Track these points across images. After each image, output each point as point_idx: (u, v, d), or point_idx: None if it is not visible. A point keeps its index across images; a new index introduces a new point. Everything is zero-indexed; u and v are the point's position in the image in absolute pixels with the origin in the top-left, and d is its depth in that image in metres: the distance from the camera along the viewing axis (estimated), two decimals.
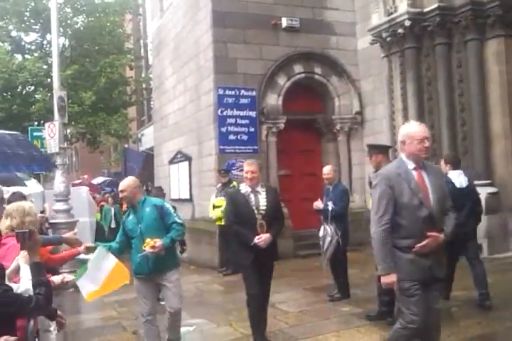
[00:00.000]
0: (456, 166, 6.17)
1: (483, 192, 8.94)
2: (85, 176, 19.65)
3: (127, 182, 4.81)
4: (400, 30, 9.64)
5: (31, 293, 2.71)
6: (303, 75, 11.43)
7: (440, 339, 4.36)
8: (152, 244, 4.44)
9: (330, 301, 6.53)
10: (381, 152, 5.75)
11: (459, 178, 5.97)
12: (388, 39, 9.99)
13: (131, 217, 4.78)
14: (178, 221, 4.74)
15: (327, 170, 6.81)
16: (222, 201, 8.96)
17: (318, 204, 6.66)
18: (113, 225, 12.92)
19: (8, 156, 4.42)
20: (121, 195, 4.85)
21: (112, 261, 4.35)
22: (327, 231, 6.48)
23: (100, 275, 4.25)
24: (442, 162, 6.43)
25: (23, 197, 5.00)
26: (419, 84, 9.84)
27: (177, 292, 4.78)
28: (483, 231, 8.87)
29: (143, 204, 4.73)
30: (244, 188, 4.95)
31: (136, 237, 4.66)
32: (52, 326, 6.32)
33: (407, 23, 9.49)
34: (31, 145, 4.60)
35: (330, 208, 6.50)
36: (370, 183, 5.76)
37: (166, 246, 4.55)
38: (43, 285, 2.63)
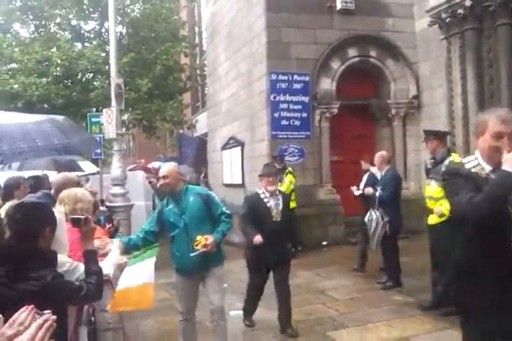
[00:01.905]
0: None
1: None
2: (142, 160, 20.01)
3: (170, 167, 4.39)
4: (460, 11, 9.24)
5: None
6: (357, 59, 11.19)
7: None
8: (204, 242, 4.05)
9: (381, 289, 6.44)
10: (437, 138, 5.57)
11: None
12: (447, 20, 9.60)
13: (170, 206, 4.31)
14: (227, 211, 4.35)
15: (375, 156, 6.77)
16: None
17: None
18: None
19: (21, 152, 4.50)
20: (162, 182, 4.32)
21: (149, 277, 3.93)
22: (372, 217, 6.40)
23: (129, 280, 3.71)
24: None
25: (76, 183, 5.06)
26: (479, 67, 9.44)
27: (220, 288, 4.46)
28: None
29: (185, 193, 4.29)
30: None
31: (179, 230, 4.25)
32: (108, 305, 6.57)
33: (468, 3, 9.08)
34: (55, 133, 4.64)
35: (377, 194, 6.40)
36: (427, 170, 5.61)
37: (218, 243, 4.21)
38: (95, 274, 2.62)
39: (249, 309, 5.62)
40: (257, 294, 5.50)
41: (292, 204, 8.79)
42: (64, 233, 2.85)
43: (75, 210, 3.80)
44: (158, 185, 4.74)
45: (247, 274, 5.56)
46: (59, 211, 3.13)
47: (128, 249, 4.10)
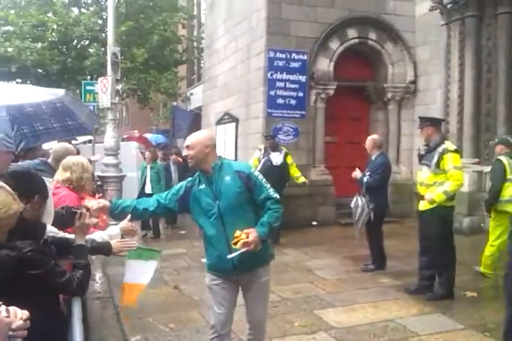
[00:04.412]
0: None
1: None
2: (135, 131, 19.94)
3: (197, 136, 3.43)
4: None
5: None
6: (356, 40, 11.13)
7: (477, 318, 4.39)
8: (245, 240, 3.08)
9: (363, 271, 6.58)
10: (433, 125, 5.61)
11: None
12: (449, 6, 9.58)
13: (202, 186, 3.36)
14: (274, 196, 3.33)
15: (367, 140, 6.78)
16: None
17: (357, 173, 6.64)
18: (148, 190, 9.95)
19: (39, 134, 4.42)
20: (186, 153, 3.40)
21: (146, 278, 3.47)
22: (358, 203, 6.46)
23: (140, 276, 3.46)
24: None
25: (75, 151, 5.01)
26: (478, 54, 9.46)
27: (264, 298, 3.52)
28: None
29: (220, 171, 3.33)
30: None
31: (212, 220, 3.30)
32: (97, 275, 6.67)
33: None
34: (67, 112, 4.58)
35: (365, 180, 6.45)
36: (420, 156, 5.67)
37: (264, 239, 3.22)
38: (81, 269, 2.60)
39: None
40: None
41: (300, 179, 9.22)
42: (51, 202, 2.87)
43: (81, 178, 3.84)
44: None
45: None
46: (48, 180, 3.11)
47: (139, 215, 3.54)
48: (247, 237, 3.07)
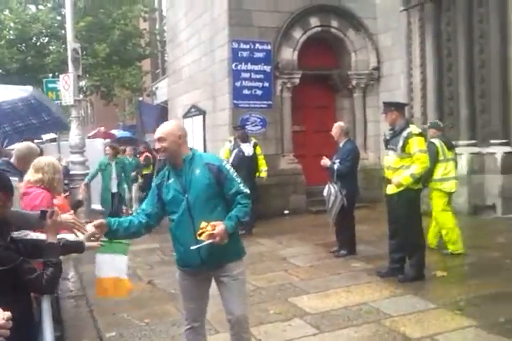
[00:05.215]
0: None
1: (499, 151, 8.92)
2: (102, 128, 19.69)
3: (169, 126, 3.26)
4: None
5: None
6: (319, 29, 11.17)
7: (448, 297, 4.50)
8: (210, 231, 2.98)
9: (335, 257, 6.65)
10: (397, 109, 5.67)
11: None
12: None
13: (171, 181, 3.24)
14: (245, 190, 3.23)
15: (333, 127, 6.83)
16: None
17: (326, 161, 6.67)
18: (114, 189, 9.53)
19: (21, 131, 4.36)
20: (158, 146, 3.22)
21: (121, 272, 3.42)
22: (331, 191, 6.51)
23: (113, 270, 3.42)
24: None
25: (38, 150, 4.95)
26: (438, 39, 9.60)
27: (240, 292, 3.34)
28: (498, 190, 8.88)
29: (190, 163, 3.21)
30: None
31: (180, 214, 3.19)
32: (70, 274, 6.60)
33: None
34: (43, 108, 4.52)
35: (335, 167, 6.50)
36: (386, 141, 5.74)
37: (231, 232, 3.09)
38: (52, 267, 2.57)
39: None
40: None
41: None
42: (18, 201, 2.85)
43: (53, 179, 3.83)
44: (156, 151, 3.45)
45: None
46: (13, 179, 3.06)
47: (124, 237, 3.31)
48: (213, 229, 2.97)
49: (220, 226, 2.99)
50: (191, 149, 3.31)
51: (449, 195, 6.52)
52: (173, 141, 3.17)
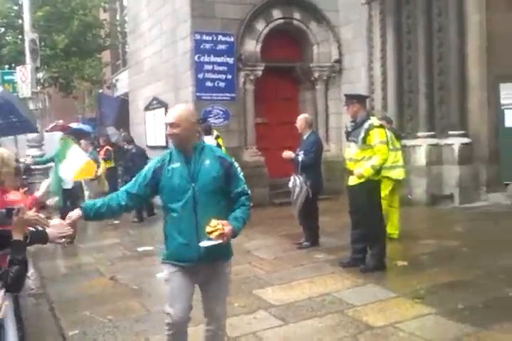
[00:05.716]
0: None
1: (456, 143, 9.14)
2: (61, 121, 19.24)
3: (184, 112, 3.06)
4: None
5: None
6: (282, 21, 11.17)
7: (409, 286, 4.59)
8: (222, 231, 2.86)
9: (298, 249, 6.70)
10: (358, 102, 5.73)
11: None
12: None
13: (177, 165, 3.06)
14: (249, 192, 3.17)
15: (297, 119, 6.86)
16: None
17: (288, 153, 6.71)
18: (68, 185, 8.30)
19: None
20: (169, 132, 3.05)
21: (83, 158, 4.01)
22: (296, 182, 6.55)
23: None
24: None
25: None
26: (398, 32, 9.73)
27: (225, 291, 3.25)
28: (455, 181, 9.11)
29: (201, 153, 3.08)
30: None
31: (184, 202, 3.00)
32: (30, 271, 6.45)
33: None
34: (11, 109, 4.37)
35: (300, 159, 6.54)
36: (348, 133, 5.79)
37: (236, 234, 3.02)
38: (17, 265, 2.51)
39: None
40: None
41: None
42: None
43: (0, 173, 3.66)
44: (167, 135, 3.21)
45: None
46: None
47: (115, 212, 3.17)
48: (223, 229, 2.87)
49: (228, 227, 2.91)
50: (200, 139, 3.20)
51: (397, 182, 6.75)
52: (186, 127, 3.00)
